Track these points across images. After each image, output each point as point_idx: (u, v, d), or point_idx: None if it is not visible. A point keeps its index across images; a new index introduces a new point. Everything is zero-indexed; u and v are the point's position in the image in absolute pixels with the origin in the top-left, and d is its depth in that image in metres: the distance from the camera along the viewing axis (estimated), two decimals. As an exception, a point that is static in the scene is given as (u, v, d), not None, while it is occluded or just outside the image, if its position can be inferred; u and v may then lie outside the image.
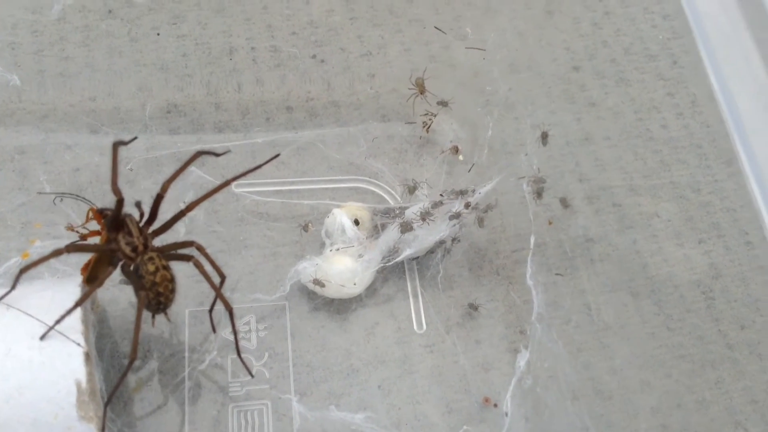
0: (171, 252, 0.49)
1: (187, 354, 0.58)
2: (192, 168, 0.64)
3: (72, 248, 0.47)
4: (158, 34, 0.69)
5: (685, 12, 0.76)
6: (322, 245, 0.63)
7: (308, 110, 0.70)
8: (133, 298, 0.54)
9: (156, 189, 0.64)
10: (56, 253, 0.46)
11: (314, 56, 0.72)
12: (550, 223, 0.60)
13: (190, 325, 0.59)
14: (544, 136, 0.58)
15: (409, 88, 0.66)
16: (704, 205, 0.69)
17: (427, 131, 0.67)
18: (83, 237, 0.49)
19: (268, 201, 0.65)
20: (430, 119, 0.67)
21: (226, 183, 0.51)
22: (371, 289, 0.62)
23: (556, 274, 0.59)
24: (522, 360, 0.55)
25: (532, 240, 0.59)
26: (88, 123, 0.66)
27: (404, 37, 0.74)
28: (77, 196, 0.57)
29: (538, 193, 0.57)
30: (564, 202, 0.58)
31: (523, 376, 0.55)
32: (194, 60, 0.70)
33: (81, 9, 0.71)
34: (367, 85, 0.71)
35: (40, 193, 0.61)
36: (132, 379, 0.56)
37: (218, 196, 0.64)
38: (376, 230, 0.62)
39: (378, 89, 0.71)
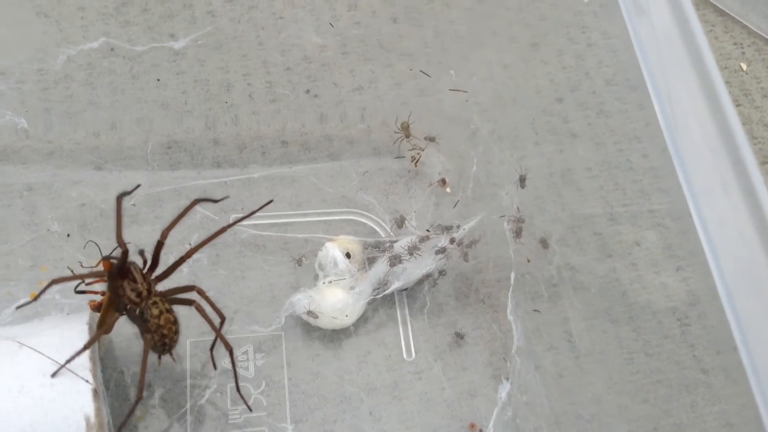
0: (173, 297, 0.53)
1: (189, 382, 0.61)
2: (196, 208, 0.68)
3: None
4: (158, 80, 0.72)
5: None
6: (316, 277, 0.66)
7: (302, 144, 0.73)
8: (137, 329, 0.57)
9: (158, 224, 0.68)
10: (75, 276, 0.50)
11: (308, 91, 0.76)
12: (528, 261, 0.63)
13: (191, 354, 0.62)
14: (522, 180, 0.61)
15: (395, 132, 0.69)
16: (683, 232, 0.72)
17: (416, 165, 0.71)
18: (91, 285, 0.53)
19: (264, 234, 0.68)
20: (418, 153, 0.70)
21: (224, 229, 0.54)
22: (362, 319, 0.65)
23: (534, 311, 0.62)
24: (503, 391, 0.58)
25: (513, 276, 0.62)
26: (92, 160, 0.69)
27: (394, 72, 0.77)
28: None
29: (517, 233, 0.60)
30: (544, 243, 0.61)
31: (504, 407, 0.58)
32: (193, 96, 0.74)
33: (72, 39, 0.74)
34: (359, 119, 0.74)
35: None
36: (137, 408, 0.59)
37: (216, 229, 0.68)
38: (368, 263, 0.65)
39: (369, 123, 0.74)
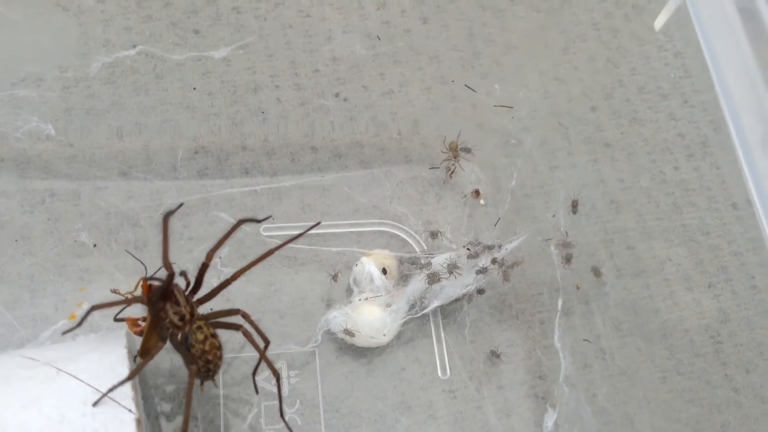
0: (218, 321, 0.51)
1: (221, 400, 0.60)
2: (222, 215, 0.66)
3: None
4: (194, 86, 0.69)
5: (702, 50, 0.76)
6: (349, 291, 0.65)
7: (332, 150, 0.72)
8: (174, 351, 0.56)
9: (186, 233, 0.66)
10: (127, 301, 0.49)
11: (337, 94, 0.73)
12: (578, 288, 0.62)
13: (224, 372, 0.61)
14: (575, 205, 0.60)
15: (443, 152, 0.67)
16: (713, 248, 0.72)
17: (451, 176, 0.69)
18: (133, 322, 0.52)
19: (296, 246, 0.66)
20: (453, 164, 0.69)
21: (271, 251, 0.53)
22: (395, 335, 0.64)
23: (584, 340, 0.62)
24: (549, 421, 0.58)
25: (560, 303, 0.61)
26: (117, 166, 0.67)
27: (425, 75, 0.76)
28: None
29: (567, 259, 0.59)
30: (596, 272, 0.60)
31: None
32: (220, 99, 0.71)
33: (105, 44, 0.71)
34: (390, 125, 0.73)
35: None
36: (170, 428, 0.58)
37: (247, 240, 0.66)
38: (403, 279, 0.64)
39: (400, 129, 0.73)
